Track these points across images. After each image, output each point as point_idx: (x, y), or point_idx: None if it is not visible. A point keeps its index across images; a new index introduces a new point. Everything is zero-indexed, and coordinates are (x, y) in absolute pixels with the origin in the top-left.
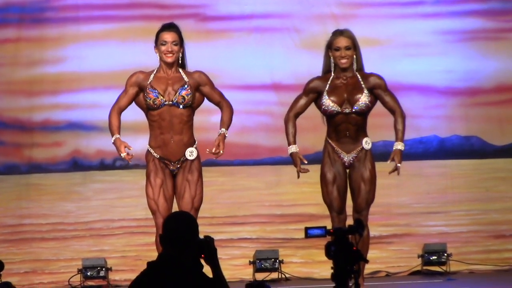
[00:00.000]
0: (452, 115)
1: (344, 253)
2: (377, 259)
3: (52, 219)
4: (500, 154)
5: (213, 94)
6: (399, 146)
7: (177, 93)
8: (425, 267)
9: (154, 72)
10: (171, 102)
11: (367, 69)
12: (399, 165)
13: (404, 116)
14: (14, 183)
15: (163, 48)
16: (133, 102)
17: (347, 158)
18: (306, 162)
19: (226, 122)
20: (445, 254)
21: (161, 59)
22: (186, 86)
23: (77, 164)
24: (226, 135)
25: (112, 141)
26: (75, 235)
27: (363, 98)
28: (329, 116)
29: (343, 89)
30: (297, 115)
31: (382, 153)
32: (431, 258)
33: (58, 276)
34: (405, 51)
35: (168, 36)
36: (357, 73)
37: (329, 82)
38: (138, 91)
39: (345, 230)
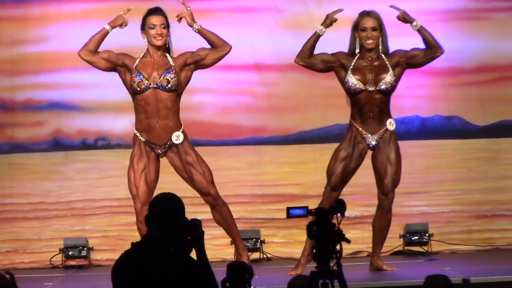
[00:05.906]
0: (433, 95)
1: (325, 233)
2: (359, 239)
3: (33, 199)
4: (482, 134)
5: (198, 52)
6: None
7: (162, 76)
8: (406, 247)
9: (140, 57)
10: (156, 86)
11: (345, 46)
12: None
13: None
14: None
15: (152, 31)
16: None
17: (371, 139)
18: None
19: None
20: (427, 234)
21: (149, 43)
22: (171, 70)
23: (58, 144)
24: (197, 27)
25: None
26: (56, 215)
27: (388, 78)
28: (353, 95)
29: (368, 69)
30: (313, 55)
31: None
32: (412, 238)
33: (40, 255)
34: (387, 31)
35: (156, 20)
36: (382, 54)
37: (354, 61)
38: (116, 63)
39: (327, 210)
